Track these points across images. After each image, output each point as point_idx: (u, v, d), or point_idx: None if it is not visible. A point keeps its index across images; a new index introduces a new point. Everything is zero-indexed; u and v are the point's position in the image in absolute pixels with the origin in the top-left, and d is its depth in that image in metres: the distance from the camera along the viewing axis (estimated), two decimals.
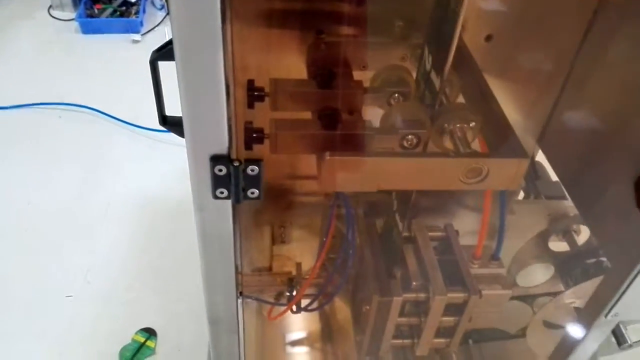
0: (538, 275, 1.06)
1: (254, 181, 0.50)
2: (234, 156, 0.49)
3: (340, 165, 0.59)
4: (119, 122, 1.96)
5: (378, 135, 0.64)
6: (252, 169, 0.49)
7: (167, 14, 2.60)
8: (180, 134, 0.54)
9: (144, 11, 2.52)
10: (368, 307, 0.90)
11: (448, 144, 0.67)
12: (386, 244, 0.94)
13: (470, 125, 0.65)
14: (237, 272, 0.61)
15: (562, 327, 0.94)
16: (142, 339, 1.31)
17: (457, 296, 0.89)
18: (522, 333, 0.99)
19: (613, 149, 0.63)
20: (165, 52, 0.49)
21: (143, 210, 1.65)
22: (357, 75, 0.76)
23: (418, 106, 0.67)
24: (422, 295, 0.89)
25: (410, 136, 0.64)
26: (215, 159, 0.49)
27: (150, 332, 1.32)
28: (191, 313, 1.36)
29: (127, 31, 2.43)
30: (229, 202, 0.53)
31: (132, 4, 2.53)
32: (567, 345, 0.81)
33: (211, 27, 0.40)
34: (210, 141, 0.48)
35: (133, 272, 1.47)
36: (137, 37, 2.40)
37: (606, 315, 0.71)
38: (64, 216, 1.61)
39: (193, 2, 0.39)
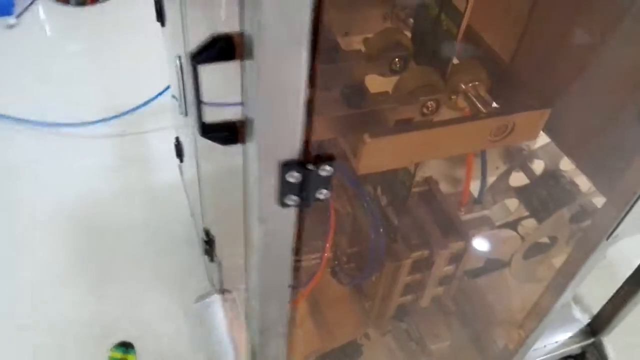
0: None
1: (325, 181, 0.46)
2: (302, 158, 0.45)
3: (380, 145, 0.57)
4: (19, 121, 1.74)
5: (400, 107, 0.61)
6: (326, 169, 0.45)
7: None
8: (223, 141, 0.49)
9: None
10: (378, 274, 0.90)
11: (461, 104, 0.67)
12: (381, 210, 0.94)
13: (485, 83, 0.65)
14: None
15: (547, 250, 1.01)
16: (120, 354, 1.22)
17: (456, 245, 0.92)
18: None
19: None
20: (211, 54, 0.42)
21: (74, 214, 1.50)
22: (344, 43, 0.73)
23: (430, 70, 0.65)
24: (425, 253, 0.91)
25: (430, 102, 0.63)
26: (287, 165, 0.44)
27: (126, 346, 1.23)
28: (162, 317, 1.28)
29: None
30: (293, 209, 0.49)
31: None
32: (569, 269, 0.87)
33: (300, 31, 0.35)
34: (282, 147, 0.43)
35: (85, 284, 1.35)
36: (12, 20, 2.10)
37: (607, 238, 0.78)
38: None
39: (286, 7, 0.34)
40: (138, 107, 1.79)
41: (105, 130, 1.76)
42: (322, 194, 0.48)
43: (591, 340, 1.18)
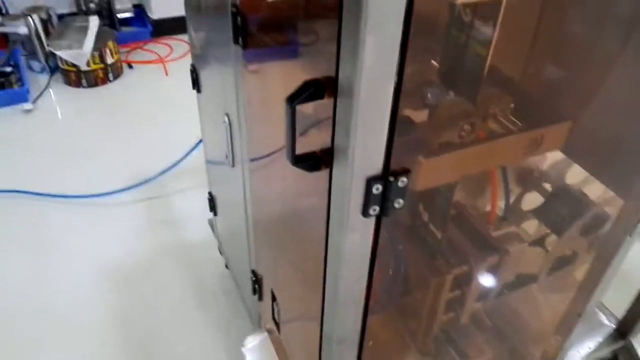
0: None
1: (402, 191, 0.56)
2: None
3: (432, 165, 0.67)
4: (47, 197, 1.82)
5: (443, 131, 0.72)
6: (403, 181, 0.55)
7: (51, 74, 2.45)
8: (310, 168, 0.58)
9: (26, 78, 2.35)
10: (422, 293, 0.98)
11: (492, 125, 0.78)
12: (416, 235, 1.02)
13: (510, 105, 0.76)
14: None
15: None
16: None
17: (492, 260, 1.00)
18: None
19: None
20: (305, 96, 0.52)
21: (112, 277, 1.57)
22: None
23: (461, 100, 0.76)
24: (465, 268, 0.99)
25: (466, 126, 0.73)
26: (373, 179, 0.53)
27: None
28: None
29: (14, 102, 2.24)
30: (373, 219, 0.58)
31: (9, 74, 2.33)
32: (596, 273, 0.96)
33: (389, 72, 0.46)
34: (370, 165, 0.53)
35: (133, 345, 1.39)
36: (28, 106, 2.23)
37: (630, 235, 0.87)
38: (33, 314, 1.47)
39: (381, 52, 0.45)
40: (159, 174, 1.89)
41: (129, 198, 1.85)
42: (399, 203, 0.57)
43: (621, 343, 1.24)
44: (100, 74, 2.44)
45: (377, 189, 0.54)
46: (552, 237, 1.12)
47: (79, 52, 2.32)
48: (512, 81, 0.78)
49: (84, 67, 2.37)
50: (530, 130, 0.70)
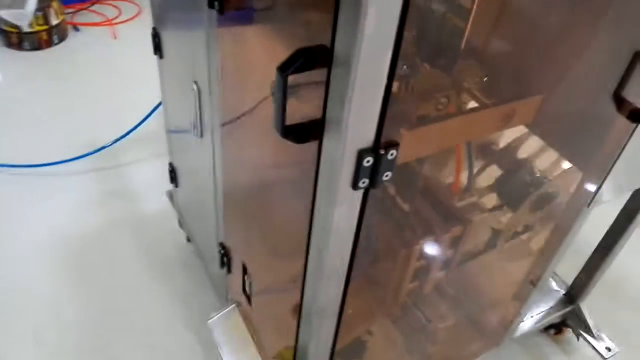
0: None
1: (391, 164, 0.56)
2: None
3: (414, 137, 0.67)
4: None
5: (421, 104, 0.72)
6: (392, 153, 0.55)
7: None
8: (299, 140, 0.57)
9: None
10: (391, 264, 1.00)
11: (466, 99, 0.79)
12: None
13: (484, 79, 0.77)
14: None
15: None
16: None
17: (458, 229, 1.03)
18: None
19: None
20: (297, 66, 0.51)
21: (63, 250, 1.51)
22: None
23: (439, 73, 0.76)
24: (431, 237, 1.01)
25: (443, 99, 0.74)
26: (364, 152, 0.53)
27: None
28: (177, 342, 1.32)
29: None
30: (361, 192, 0.58)
31: None
32: (554, 241, 1.00)
33: (388, 41, 0.45)
34: (362, 137, 0.52)
35: (89, 321, 1.36)
36: None
37: (589, 205, 0.91)
38: None
39: (381, 26, 0.44)
40: (112, 143, 1.82)
41: (81, 168, 1.77)
42: (387, 176, 0.57)
43: (570, 307, 1.32)
44: (44, 36, 2.29)
45: (367, 161, 0.54)
46: (511, 209, 1.16)
47: (20, 12, 2.17)
48: (486, 54, 0.79)
49: (26, 29, 2.22)
50: (504, 104, 0.71)
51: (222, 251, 1.07)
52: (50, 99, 2.07)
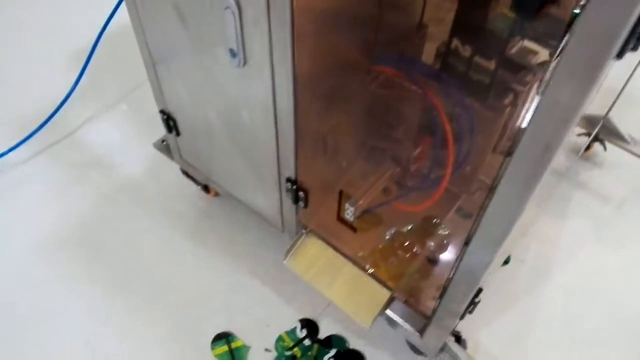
0: None
1: None
2: None
3: None
4: None
5: None
6: None
7: None
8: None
9: None
10: None
11: None
12: None
13: None
14: None
15: None
16: (224, 347, 1.14)
17: None
18: None
19: None
20: None
21: (80, 248, 1.29)
22: None
23: None
24: None
25: None
26: None
27: (222, 337, 1.15)
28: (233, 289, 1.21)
29: None
30: None
31: None
32: None
33: None
34: None
35: (118, 311, 1.20)
36: None
37: None
38: None
39: None
40: (55, 111, 1.51)
41: (31, 150, 1.47)
42: None
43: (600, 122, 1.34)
44: None
45: None
46: None
47: None
48: None
49: None
50: None
51: (294, 187, 0.94)
52: None
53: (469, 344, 1.11)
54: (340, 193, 0.87)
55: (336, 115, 0.87)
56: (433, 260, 0.95)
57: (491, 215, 0.62)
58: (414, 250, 0.96)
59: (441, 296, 0.85)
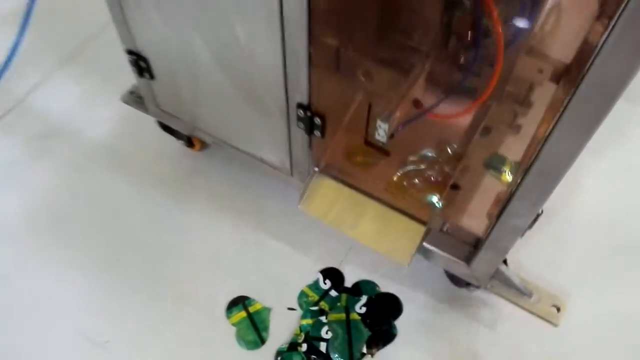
0: None
1: None
2: None
3: None
4: None
5: None
6: None
7: None
8: None
9: None
10: None
11: None
12: None
13: None
14: None
15: None
16: (242, 313, 1.01)
17: None
18: None
19: None
20: None
21: (57, 229, 1.12)
22: None
23: None
24: None
25: None
26: None
27: (237, 302, 1.02)
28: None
29: None
30: None
31: None
32: None
33: None
34: None
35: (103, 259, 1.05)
36: None
37: None
38: None
39: None
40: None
41: None
42: None
43: None
44: None
45: None
46: None
47: None
48: None
49: None
50: None
51: (309, 114, 0.79)
52: None
53: (511, 267, 1.01)
54: (369, 108, 0.74)
55: (354, 16, 0.73)
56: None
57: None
58: (456, 167, 0.84)
59: (500, 214, 0.74)
